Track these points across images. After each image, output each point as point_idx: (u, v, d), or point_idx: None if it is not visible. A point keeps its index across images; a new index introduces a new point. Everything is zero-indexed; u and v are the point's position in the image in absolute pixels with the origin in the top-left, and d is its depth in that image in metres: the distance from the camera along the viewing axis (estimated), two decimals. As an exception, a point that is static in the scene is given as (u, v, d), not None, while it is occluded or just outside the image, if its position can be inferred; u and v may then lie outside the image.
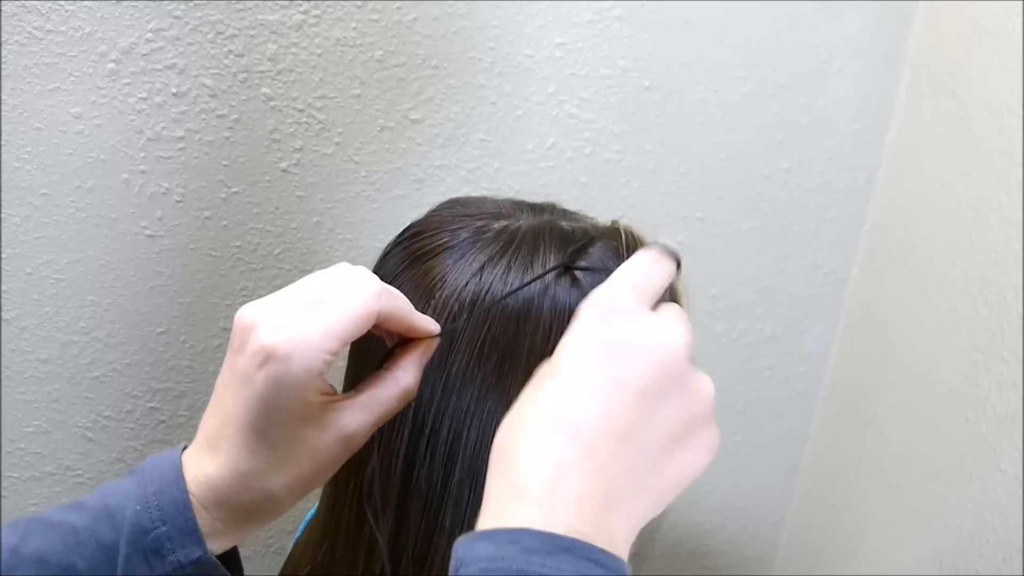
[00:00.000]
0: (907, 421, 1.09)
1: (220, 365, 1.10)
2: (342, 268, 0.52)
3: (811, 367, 1.27)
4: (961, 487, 0.99)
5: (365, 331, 0.50)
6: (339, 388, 0.55)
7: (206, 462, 0.50)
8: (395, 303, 0.51)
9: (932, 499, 1.04)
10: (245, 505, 0.50)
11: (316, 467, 0.50)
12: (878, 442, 1.15)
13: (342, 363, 0.66)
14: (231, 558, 0.53)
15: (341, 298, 0.50)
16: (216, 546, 0.50)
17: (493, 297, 0.57)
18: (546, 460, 0.42)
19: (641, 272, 0.49)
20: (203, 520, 0.49)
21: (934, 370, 1.04)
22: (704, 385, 0.46)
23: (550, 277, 0.57)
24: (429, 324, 0.54)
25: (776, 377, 1.27)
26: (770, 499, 1.35)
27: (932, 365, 1.04)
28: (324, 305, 0.49)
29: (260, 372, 0.48)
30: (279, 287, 1.03)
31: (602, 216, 0.66)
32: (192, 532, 0.48)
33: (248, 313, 0.50)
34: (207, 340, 1.06)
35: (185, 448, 0.52)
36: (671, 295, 0.61)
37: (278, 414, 0.48)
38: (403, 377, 0.53)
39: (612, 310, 0.46)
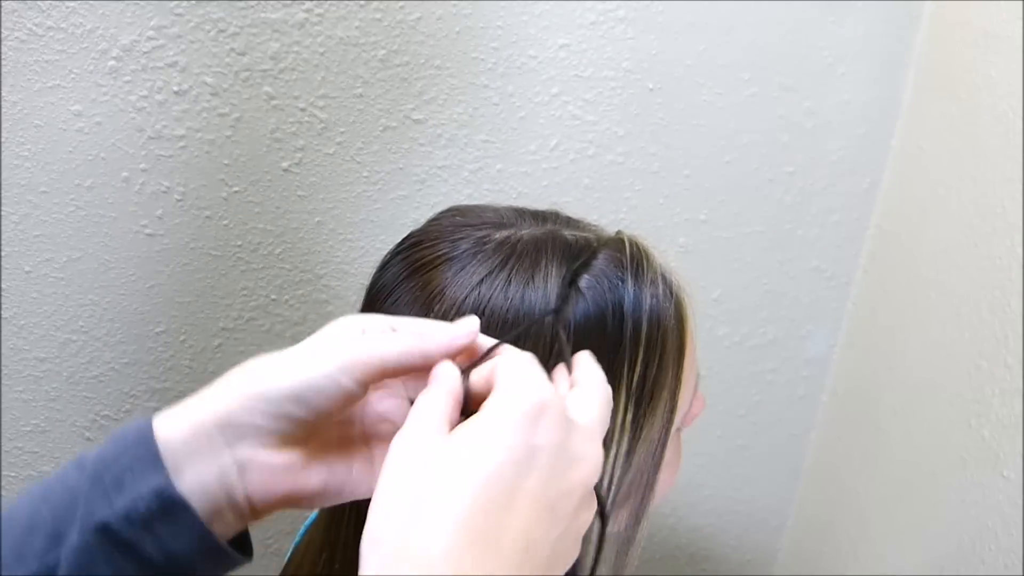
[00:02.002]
0: (910, 426, 1.09)
1: (219, 365, 1.11)
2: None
3: (814, 371, 1.27)
4: (963, 493, 0.98)
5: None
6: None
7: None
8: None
9: (934, 504, 1.03)
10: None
11: (308, 354, 0.47)
12: (880, 447, 1.14)
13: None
14: (242, 543, 0.49)
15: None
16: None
17: (493, 311, 0.56)
18: (449, 564, 0.39)
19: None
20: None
21: (937, 375, 1.04)
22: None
23: (552, 288, 0.56)
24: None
25: (778, 381, 1.26)
26: (771, 503, 1.35)
27: (935, 370, 1.04)
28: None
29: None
30: (279, 287, 1.04)
31: (605, 219, 0.66)
32: (153, 460, 0.44)
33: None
34: (207, 340, 1.05)
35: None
36: (677, 310, 0.60)
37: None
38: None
39: (544, 406, 0.43)
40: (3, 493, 1.07)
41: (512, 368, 0.45)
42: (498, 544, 0.40)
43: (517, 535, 0.40)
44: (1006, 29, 0.94)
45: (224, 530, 0.46)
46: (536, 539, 0.41)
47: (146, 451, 0.45)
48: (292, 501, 0.48)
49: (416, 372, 0.48)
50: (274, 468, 0.46)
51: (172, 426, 0.46)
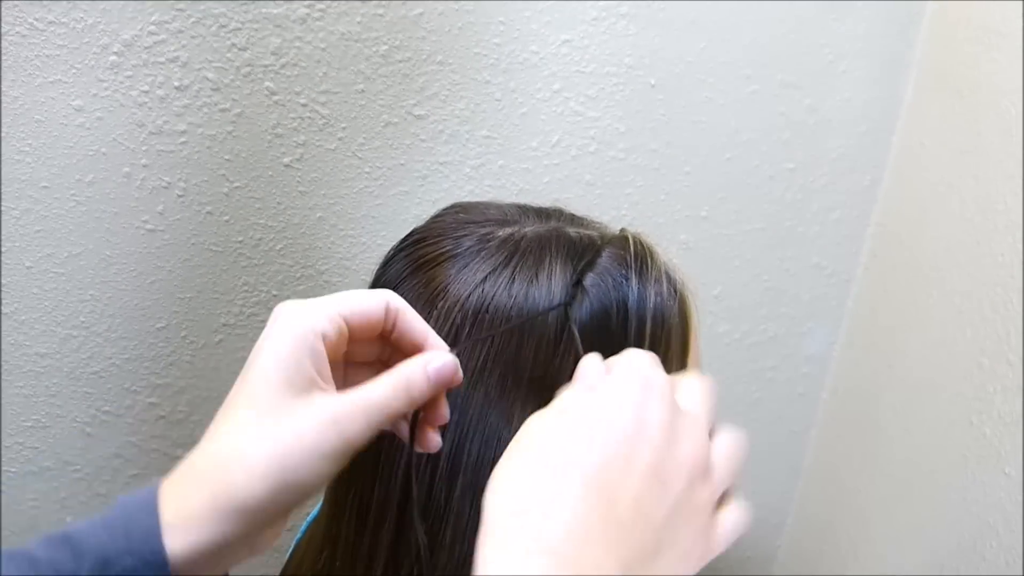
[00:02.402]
0: (910, 424, 1.09)
1: (220, 361, 1.11)
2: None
3: (813, 369, 1.26)
4: (964, 490, 0.98)
5: (376, 318, 0.49)
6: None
7: (193, 463, 0.46)
8: (406, 308, 0.51)
9: (934, 502, 1.03)
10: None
11: (302, 445, 0.45)
12: (880, 445, 1.14)
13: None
14: None
15: (356, 290, 0.50)
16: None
17: (497, 309, 0.56)
18: (574, 517, 0.41)
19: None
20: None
21: (938, 373, 1.03)
22: (721, 477, 0.46)
23: (556, 286, 0.56)
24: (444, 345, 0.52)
25: (778, 378, 1.26)
26: (771, 501, 1.35)
27: (936, 368, 1.04)
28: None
29: (265, 334, 0.48)
30: (280, 283, 1.04)
31: (606, 216, 0.65)
32: (161, 566, 0.42)
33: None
34: (207, 336, 1.05)
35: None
36: (681, 307, 0.60)
37: (267, 374, 0.46)
38: (415, 385, 0.49)
39: (653, 384, 0.46)
40: (3, 489, 1.07)
41: (626, 355, 0.48)
42: (613, 504, 0.42)
43: (630, 501, 0.42)
44: (1008, 26, 0.94)
45: None
46: (647, 508, 0.43)
47: (151, 554, 0.43)
48: None
49: None
50: (276, 533, 0.47)
51: (187, 535, 0.44)
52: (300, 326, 0.47)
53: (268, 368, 0.46)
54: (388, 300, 0.50)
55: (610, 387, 0.46)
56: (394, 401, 0.47)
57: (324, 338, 0.47)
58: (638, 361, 0.47)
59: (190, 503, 0.44)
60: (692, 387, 0.48)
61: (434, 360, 0.49)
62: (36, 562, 0.43)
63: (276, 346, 0.47)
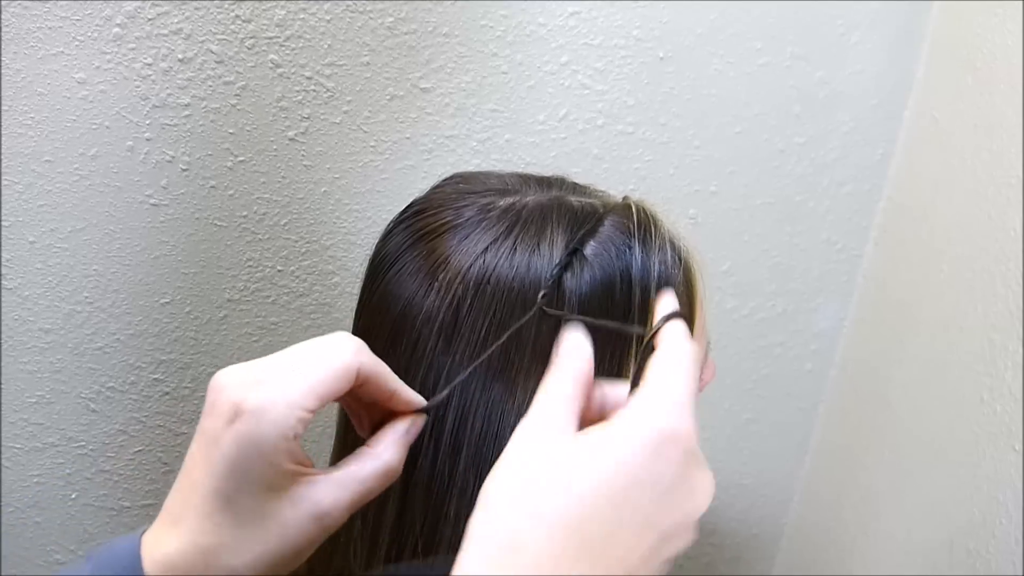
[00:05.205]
0: (920, 400, 1.08)
1: (225, 337, 1.10)
2: (323, 337, 0.49)
3: (823, 345, 1.26)
4: (974, 468, 0.98)
5: (346, 388, 0.48)
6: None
7: (166, 540, 0.46)
8: (377, 365, 0.49)
9: (944, 479, 1.03)
10: None
11: (285, 545, 0.47)
12: (890, 421, 1.13)
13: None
14: None
15: (320, 353, 0.48)
16: None
17: (499, 280, 0.55)
18: (540, 556, 0.40)
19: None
20: None
21: (949, 349, 1.03)
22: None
23: (557, 257, 0.55)
24: (414, 396, 0.52)
25: (787, 354, 1.25)
26: (778, 478, 1.35)
27: (947, 344, 1.03)
28: (301, 362, 0.47)
29: (228, 431, 0.45)
30: (285, 258, 1.03)
31: (613, 190, 0.64)
32: None
33: (222, 375, 0.47)
34: (212, 311, 1.05)
35: (146, 531, 0.48)
36: (686, 276, 0.59)
37: (245, 479, 0.45)
38: (385, 454, 0.50)
39: (676, 436, 0.43)
40: (6, 465, 1.07)
41: (660, 382, 0.45)
42: (604, 556, 0.40)
43: (623, 553, 0.41)
44: (1023, -3, 0.92)
45: None
46: (636, 560, 0.41)
47: None
48: None
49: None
50: None
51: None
52: (272, 434, 0.45)
53: (241, 473, 0.46)
54: (359, 367, 0.48)
55: (630, 431, 0.43)
56: (373, 484, 0.49)
57: (296, 436, 0.46)
58: (668, 404, 0.44)
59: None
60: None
61: (410, 431, 0.51)
62: None
63: (249, 452, 0.45)
